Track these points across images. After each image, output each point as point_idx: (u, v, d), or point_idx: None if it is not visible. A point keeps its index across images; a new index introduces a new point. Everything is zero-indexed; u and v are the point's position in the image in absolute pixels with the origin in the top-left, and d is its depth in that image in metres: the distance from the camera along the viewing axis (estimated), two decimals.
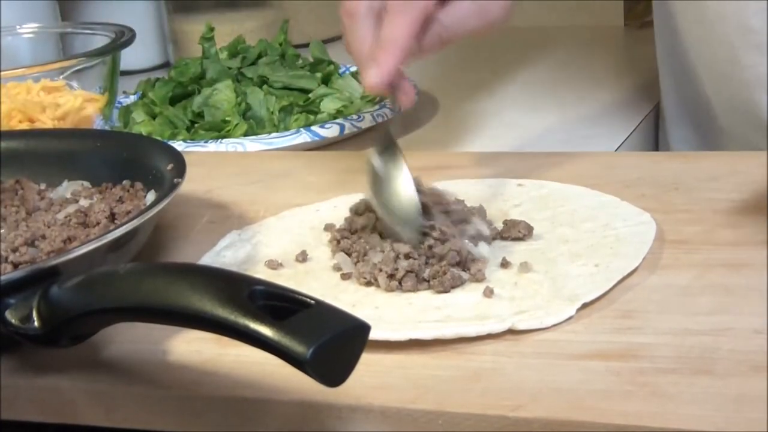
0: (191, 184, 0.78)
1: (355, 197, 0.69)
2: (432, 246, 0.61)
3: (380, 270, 0.60)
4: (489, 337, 0.54)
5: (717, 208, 0.67)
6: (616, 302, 0.57)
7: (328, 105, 1.04)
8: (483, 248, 0.63)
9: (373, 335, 0.46)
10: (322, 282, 0.63)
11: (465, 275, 0.60)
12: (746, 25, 0.92)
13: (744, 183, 0.71)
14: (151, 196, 0.69)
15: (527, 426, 0.47)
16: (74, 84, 0.99)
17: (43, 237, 0.64)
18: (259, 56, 1.12)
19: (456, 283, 0.59)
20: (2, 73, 0.94)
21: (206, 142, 0.97)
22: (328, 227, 0.68)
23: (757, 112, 0.95)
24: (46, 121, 0.94)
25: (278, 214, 0.73)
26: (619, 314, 0.55)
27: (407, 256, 0.60)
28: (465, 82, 1.27)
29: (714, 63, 0.99)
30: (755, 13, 0.91)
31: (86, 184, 0.73)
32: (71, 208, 0.68)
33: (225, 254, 0.67)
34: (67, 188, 0.73)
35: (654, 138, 1.11)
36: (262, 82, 1.07)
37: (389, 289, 0.60)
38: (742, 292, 0.56)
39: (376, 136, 0.73)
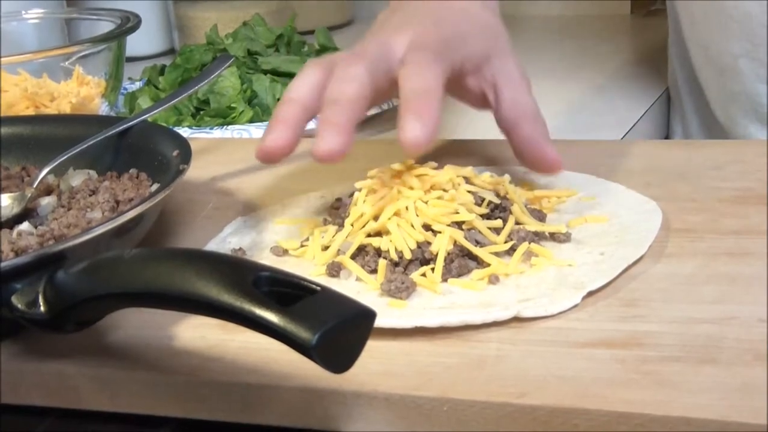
0: (197, 171, 0.78)
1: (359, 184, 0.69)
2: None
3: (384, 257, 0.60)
4: (494, 324, 0.54)
5: (722, 197, 0.67)
6: (621, 290, 0.57)
7: None
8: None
9: (379, 322, 0.46)
10: None
11: (472, 263, 0.60)
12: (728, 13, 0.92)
13: (749, 172, 0.70)
14: (155, 188, 0.69)
15: (532, 413, 0.47)
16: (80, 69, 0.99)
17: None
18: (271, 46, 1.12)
19: (463, 272, 0.59)
20: (8, 58, 0.94)
21: (211, 128, 0.97)
22: (332, 213, 0.68)
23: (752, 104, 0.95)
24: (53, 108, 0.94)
25: (283, 200, 0.73)
26: (624, 302, 0.55)
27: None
28: None
29: (710, 52, 0.99)
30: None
31: (92, 172, 0.73)
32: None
33: (230, 240, 0.67)
34: (72, 176, 0.73)
35: (659, 126, 1.11)
36: (254, 62, 1.07)
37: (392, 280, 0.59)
38: (746, 281, 0.56)
39: None
